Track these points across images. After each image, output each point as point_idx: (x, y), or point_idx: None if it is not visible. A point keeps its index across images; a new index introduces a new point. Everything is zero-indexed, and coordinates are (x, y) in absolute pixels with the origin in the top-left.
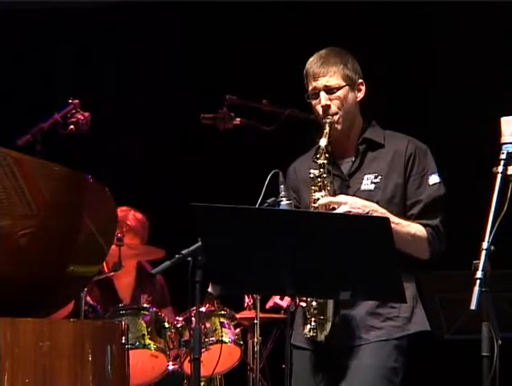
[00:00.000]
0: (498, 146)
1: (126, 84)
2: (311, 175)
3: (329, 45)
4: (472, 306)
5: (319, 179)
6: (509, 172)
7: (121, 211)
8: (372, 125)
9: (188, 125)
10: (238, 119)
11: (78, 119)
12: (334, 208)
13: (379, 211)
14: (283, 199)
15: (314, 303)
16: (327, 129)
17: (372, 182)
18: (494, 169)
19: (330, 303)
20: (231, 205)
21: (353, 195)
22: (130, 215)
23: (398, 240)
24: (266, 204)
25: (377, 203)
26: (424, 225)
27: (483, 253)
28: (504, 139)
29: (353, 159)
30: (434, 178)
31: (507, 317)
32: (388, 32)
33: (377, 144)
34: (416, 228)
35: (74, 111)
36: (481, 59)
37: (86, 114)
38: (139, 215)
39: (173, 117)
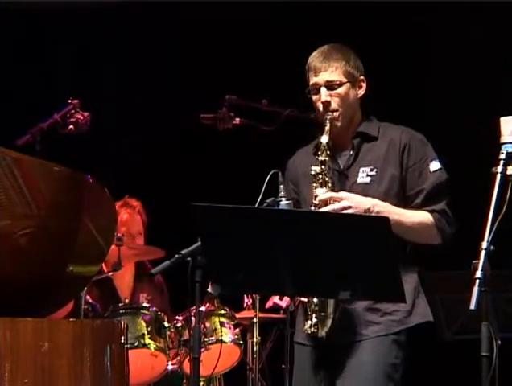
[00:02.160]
0: (498, 146)
1: (126, 84)
2: (313, 172)
3: (329, 44)
4: (472, 306)
5: (320, 176)
6: (508, 172)
7: (117, 203)
8: (369, 119)
9: (188, 125)
10: (238, 119)
11: (78, 119)
12: (336, 202)
13: (380, 204)
14: (283, 198)
15: (315, 299)
16: (328, 126)
17: (368, 175)
18: (494, 169)
19: (331, 300)
20: (231, 205)
21: (350, 188)
22: (127, 200)
23: (405, 231)
24: (265, 204)
25: (372, 195)
26: (430, 211)
27: (483, 253)
28: (503, 139)
29: (350, 152)
30: (435, 165)
31: (507, 317)
32: (387, 31)
33: (371, 137)
34: (422, 216)
35: (74, 111)
36: (482, 58)
37: (86, 114)
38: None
39: (173, 117)
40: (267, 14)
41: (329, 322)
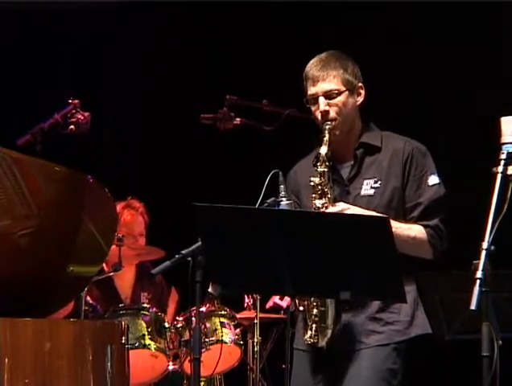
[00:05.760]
0: (498, 146)
1: (126, 84)
2: (312, 183)
3: (329, 45)
4: (473, 306)
5: (319, 187)
6: (509, 172)
7: (120, 204)
8: (370, 129)
9: (188, 125)
10: (238, 119)
11: (78, 119)
12: None
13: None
14: (283, 199)
15: (315, 311)
16: (326, 137)
17: (371, 187)
18: (494, 169)
19: (330, 311)
20: (231, 205)
21: (353, 201)
22: (130, 201)
23: (399, 244)
24: (265, 204)
25: (375, 208)
26: (424, 226)
27: (483, 253)
28: (504, 139)
29: (352, 164)
30: (433, 179)
31: (508, 317)
32: (387, 31)
33: (375, 147)
34: (416, 231)
35: (74, 111)
36: (481, 57)
37: (86, 114)
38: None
39: (173, 116)
40: (267, 14)
41: (329, 333)
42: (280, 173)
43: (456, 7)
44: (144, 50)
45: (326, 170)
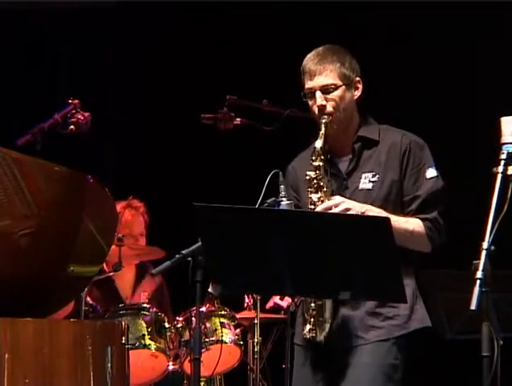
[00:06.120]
0: (498, 146)
1: (126, 83)
2: (308, 177)
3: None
4: (473, 306)
5: (315, 181)
6: (509, 172)
7: (121, 204)
8: (367, 122)
9: (188, 125)
10: (238, 119)
11: (78, 119)
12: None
13: (374, 210)
14: (283, 199)
15: (312, 305)
16: (322, 130)
17: (370, 181)
18: (494, 169)
19: (328, 305)
20: (231, 205)
21: (351, 195)
22: (131, 201)
23: (397, 238)
24: (266, 204)
25: (373, 202)
26: (422, 219)
27: (483, 253)
28: (504, 139)
29: (350, 157)
30: (431, 172)
31: (508, 317)
32: (387, 31)
33: (372, 141)
34: (414, 224)
35: (74, 111)
36: (481, 57)
37: (86, 114)
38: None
39: (173, 116)
40: (267, 14)
41: (327, 327)
42: (280, 173)
43: (456, 7)
44: (144, 50)
45: (321, 163)
